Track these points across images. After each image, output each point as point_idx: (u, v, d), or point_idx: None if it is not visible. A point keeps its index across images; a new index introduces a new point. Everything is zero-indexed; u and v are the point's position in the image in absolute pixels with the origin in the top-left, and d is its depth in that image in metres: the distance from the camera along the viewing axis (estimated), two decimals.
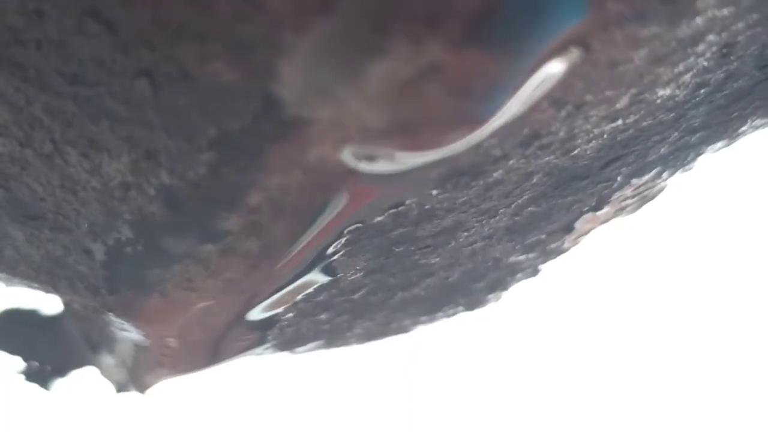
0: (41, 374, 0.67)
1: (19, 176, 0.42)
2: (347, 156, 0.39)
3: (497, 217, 0.54)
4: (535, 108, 0.41)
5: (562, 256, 0.67)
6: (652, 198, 0.62)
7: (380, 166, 0.40)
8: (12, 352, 0.67)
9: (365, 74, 0.34)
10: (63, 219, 0.44)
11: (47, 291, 0.51)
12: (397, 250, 0.53)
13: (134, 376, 0.61)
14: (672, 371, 1.07)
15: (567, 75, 0.39)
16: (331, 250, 0.49)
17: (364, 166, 0.40)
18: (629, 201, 0.61)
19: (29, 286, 0.51)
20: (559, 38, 0.36)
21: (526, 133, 0.44)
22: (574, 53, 0.38)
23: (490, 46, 0.34)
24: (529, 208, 0.54)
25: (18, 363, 0.67)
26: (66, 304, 0.59)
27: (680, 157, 0.57)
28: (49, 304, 0.63)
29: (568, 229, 0.61)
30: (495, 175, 0.48)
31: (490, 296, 0.70)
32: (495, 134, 0.42)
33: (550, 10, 0.35)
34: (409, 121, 0.36)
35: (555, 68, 0.38)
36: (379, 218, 0.48)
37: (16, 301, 0.64)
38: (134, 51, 0.35)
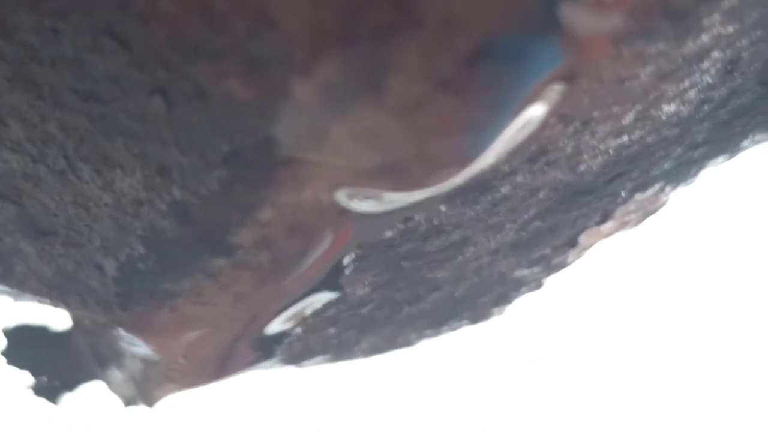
0: (50, 389, 0.67)
1: (32, 192, 0.42)
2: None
3: (504, 232, 0.54)
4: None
5: (565, 269, 0.67)
6: (654, 212, 0.63)
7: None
8: (21, 367, 0.67)
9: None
10: (75, 235, 0.44)
11: (57, 306, 0.51)
12: (405, 264, 0.53)
13: (143, 391, 0.61)
14: (671, 383, 1.07)
15: (549, 115, 0.41)
16: (341, 264, 0.50)
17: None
18: (632, 215, 0.61)
19: (39, 301, 0.51)
20: (538, 83, 0.38)
21: (534, 149, 0.45)
22: (557, 89, 0.39)
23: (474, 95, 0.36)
24: (534, 223, 0.55)
25: (27, 378, 0.67)
26: (75, 318, 0.59)
27: (683, 171, 0.57)
28: (57, 318, 0.63)
29: (573, 243, 0.61)
30: (503, 190, 0.48)
31: (494, 310, 0.70)
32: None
33: (525, 64, 0.36)
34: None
35: (538, 111, 0.40)
36: (389, 233, 0.48)
37: (25, 316, 0.64)
38: (149, 68, 0.35)
